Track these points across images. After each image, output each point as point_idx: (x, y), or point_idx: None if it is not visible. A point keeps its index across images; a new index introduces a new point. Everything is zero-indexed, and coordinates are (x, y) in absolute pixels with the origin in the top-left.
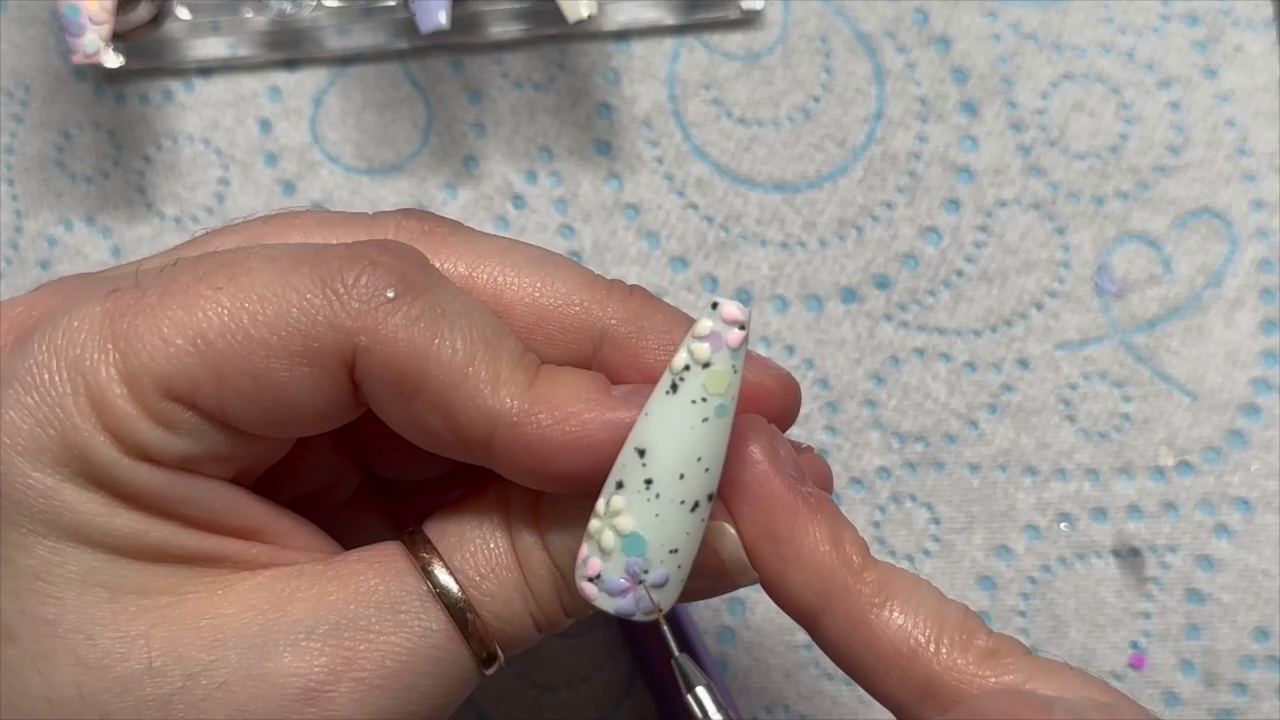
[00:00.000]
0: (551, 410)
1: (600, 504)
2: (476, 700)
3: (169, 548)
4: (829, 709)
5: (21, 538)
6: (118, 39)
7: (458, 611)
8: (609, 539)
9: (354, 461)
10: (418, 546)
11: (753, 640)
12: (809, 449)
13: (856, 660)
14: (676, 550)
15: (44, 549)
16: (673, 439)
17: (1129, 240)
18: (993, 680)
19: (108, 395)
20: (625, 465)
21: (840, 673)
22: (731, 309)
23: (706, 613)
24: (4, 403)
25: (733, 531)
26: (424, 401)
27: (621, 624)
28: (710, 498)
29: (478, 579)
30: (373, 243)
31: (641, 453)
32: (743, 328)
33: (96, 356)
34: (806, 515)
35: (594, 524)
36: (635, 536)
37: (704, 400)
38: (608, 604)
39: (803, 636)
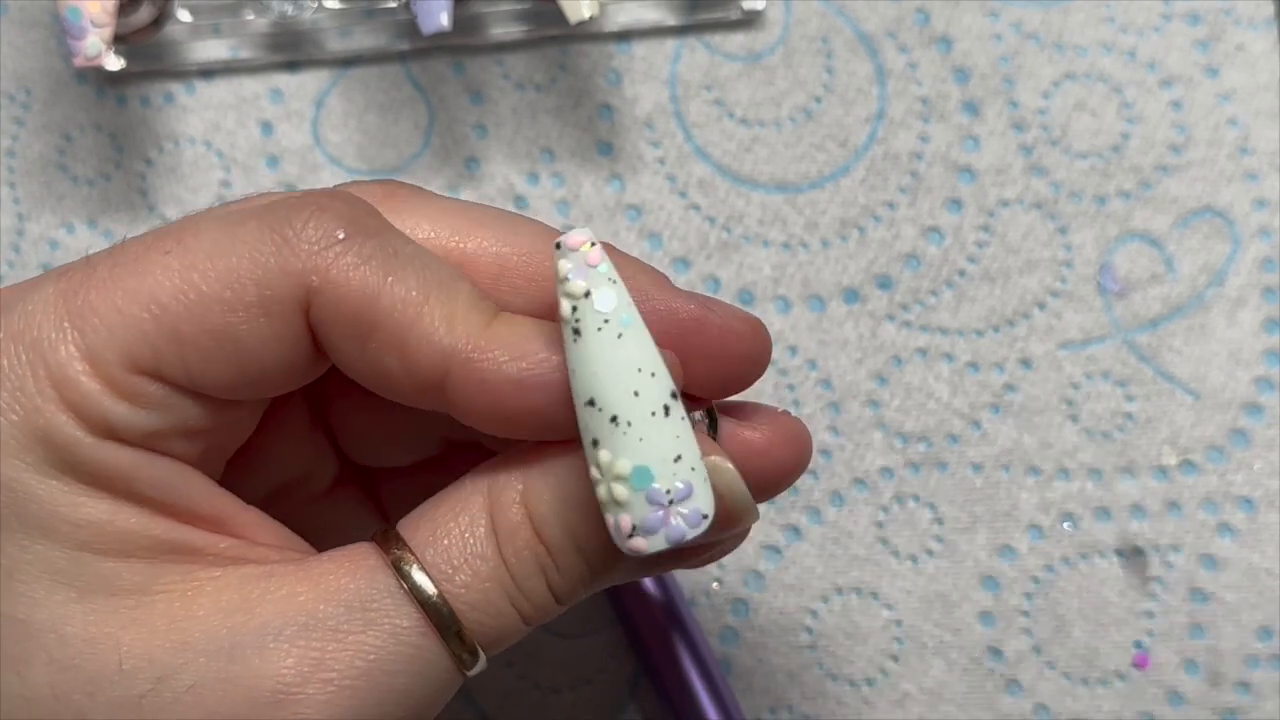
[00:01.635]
0: (508, 347)
1: (593, 471)
2: (480, 702)
3: (136, 538)
4: (833, 709)
5: None
6: (119, 41)
7: (431, 608)
8: (620, 490)
9: (329, 449)
10: (390, 543)
11: (756, 641)
12: (784, 412)
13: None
14: (680, 457)
15: (14, 546)
16: (606, 371)
17: (1131, 239)
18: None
19: (68, 373)
20: (587, 422)
21: (844, 673)
22: (574, 236)
23: (710, 613)
24: None
25: (727, 463)
26: (379, 342)
27: (625, 624)
28: (674, 395)
29: (450, 570)
30: (321, 191)
31: (592, 402)
32: (593, 244)
33: (54, 336)
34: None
35: (600, 490)
36: (637, 470)
37: (606, 323)
38: (659, 542)
39: (807, 637)
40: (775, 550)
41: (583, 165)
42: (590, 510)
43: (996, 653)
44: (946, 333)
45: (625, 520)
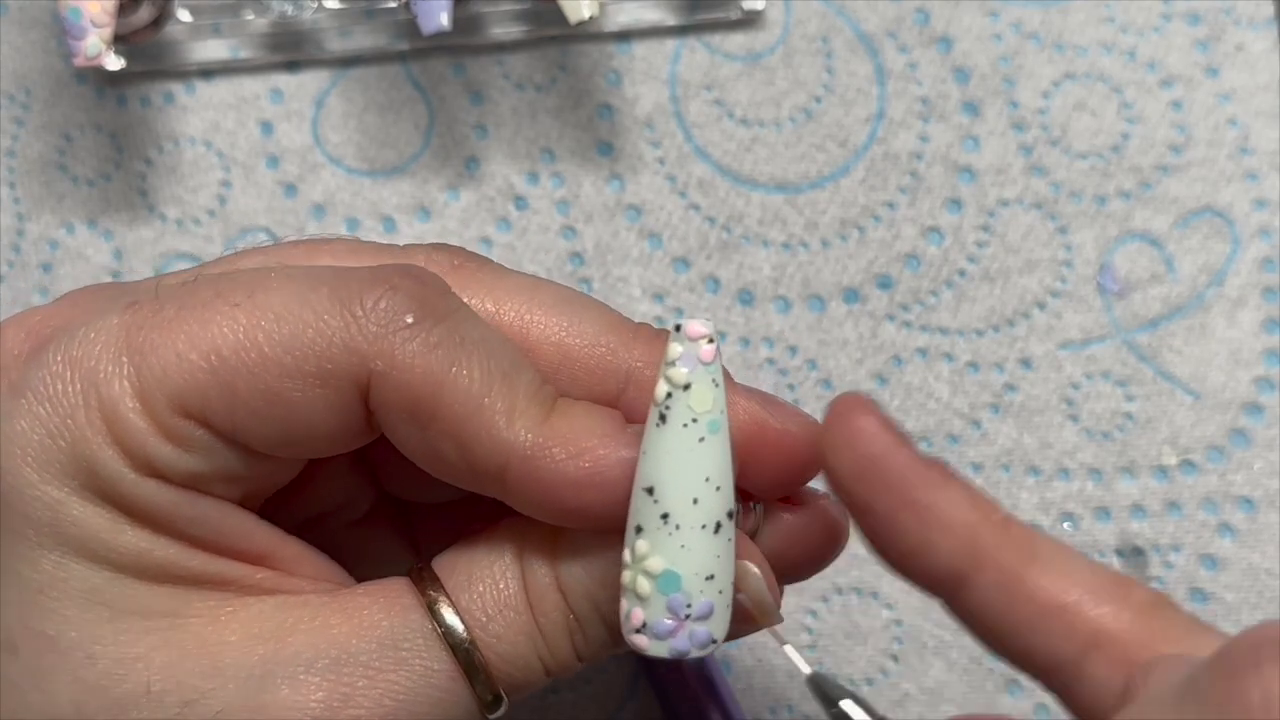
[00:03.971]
0: (566, 445)
1: (626, 554)
2: None
3: (173, 568)
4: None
5: (28, 550)
6: (119, 42)
7: (462, 652)
8: (644, 585)
9: (368, 481)
10: (425, 583)
11: (756, 640)
12: (825, 496)
13: (1008, 620)
14: (712, 576)
15: (49, 563)
16: (676, 468)
17: (1131, 239)
18: (1160, 640)
19: (120, 409)
20: (639, 508)
21: (844, 672)
22: (695, 326)
23: None
24: (16, 412)
25: (756, 570)
26: (438, 430)
27: None
28: (730, 515)
29: (484, 619)
30: (395, 267)
31: (650, 490)
32: (710, 341)
33: (110, 369)
34: (941, 478)
35: (626, 575)
36: (668, 574)
37: (694, 421)
38: (661, 649)
39: (807, 637)
40: None
41: (583, 165)
42: (616, 591)
43: None
44: (946, 333)
45: (638, 615)
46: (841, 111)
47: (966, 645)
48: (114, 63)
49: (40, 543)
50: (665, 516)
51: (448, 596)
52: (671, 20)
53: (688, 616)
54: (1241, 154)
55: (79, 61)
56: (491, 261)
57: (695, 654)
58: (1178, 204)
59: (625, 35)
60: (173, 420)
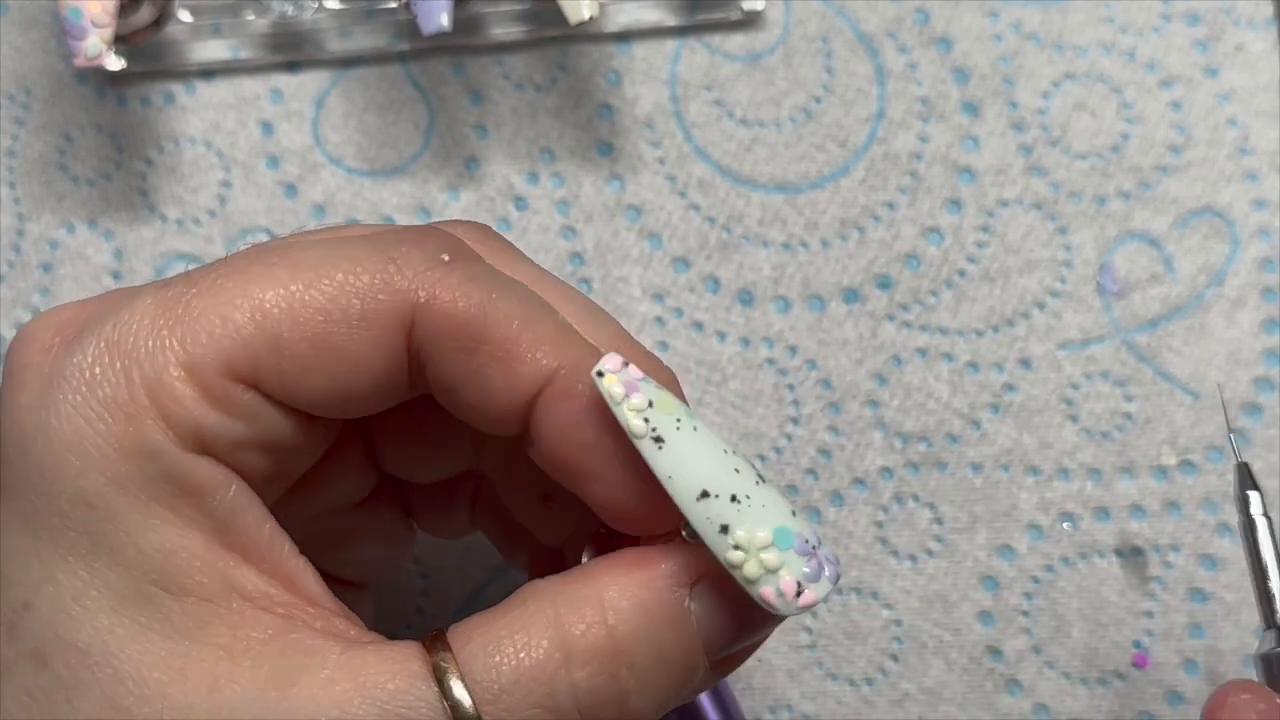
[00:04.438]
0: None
1: (731, 555)
2: None
3: (197, 571)
4: (832, 709)
5: (62, 554)
6: (119, 42)
7: None
8: (769, 557)
9: (370, 463)
10: (436, 649)
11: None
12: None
13: None
14: (795, 511)
15: (84, 569)
16: (709, 461)
17: (1130, 240)
18: None
19: (164, 378)
20: (708, 514)
21: (843, 672)
22: (612, 360)
23: None
24: (52, 404)
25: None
26: (486, 354)
27: None
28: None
29: (497, 691)
30: (422, 226)
31: (705, 493)
32: (625, 363)
33: (152, 344)
34: None
35: (749, 569)
36: (778, 531)
37: (679, 421)
38: (825, 587)
39: (806, 637)
40: None
41: (583, 165)
42: (678, 620)
43: (996, 653)
44: (946, 333)
45: (787, 582)
46: (841, 111)
47: (966, 645)
48: (114, 63)
49: (73, 544)
50: (734, 499)
51: (457, 667)
52: (671, 20)
53: (814, 548)
54: (1241, 154)
55: (79, 62)
56: (515, 246)
57: (839, 575)
58: (1177, 204)
59: (625, 35)
60: (219, 383)
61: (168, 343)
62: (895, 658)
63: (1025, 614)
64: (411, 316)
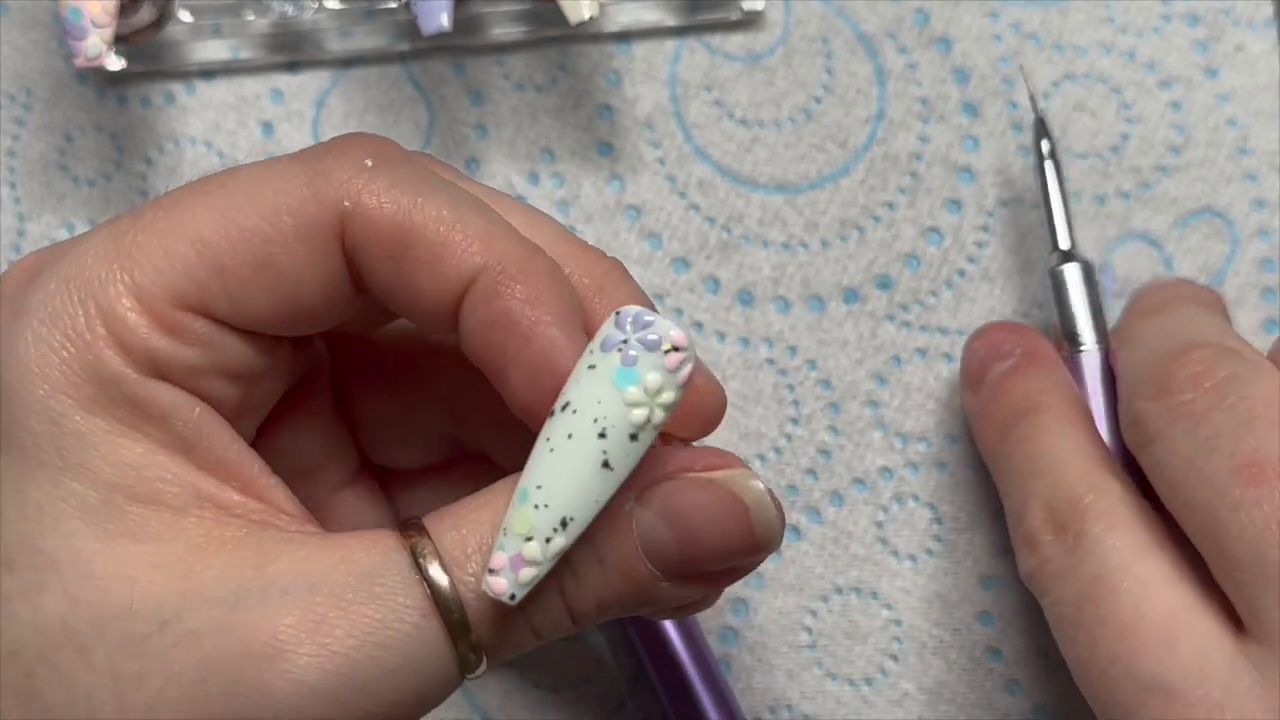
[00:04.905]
0: (529, 287)
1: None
2: (479, 701)
3: (169, 484)
4: (832, 709)
5: (32, 469)
6: (120, 42)
7: (438, 591)
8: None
9: (349, 441)
10: (411, 530)
11: (755, 640)
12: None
13: None
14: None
15: (49, 481)
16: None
17: (1130, 240)
18: None
19: (117, 310)
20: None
21: (843, 672)
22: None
23: (710, 613)
24: (18, 333)
25: (759, 481)
26: (413, 259)
27: (624, 624)
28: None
29: (463, 557)
30: (352, 134)
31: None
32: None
33: (104, 275)
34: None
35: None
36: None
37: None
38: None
39: (806, 637)
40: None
41: (583, 166)
42: (618, 520)
43: (996, 653)
44: (946, 333)
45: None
46: (841, 112)
47: (966, 645)
48: (115, 63)
49: (43, 461)
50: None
51: (431, 541)
52: (671, 20)
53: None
54: (1241, 154)
55: (80, 62)
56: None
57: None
58: (1177, 204)
59: (625, 35)
60: (170, 313)
61: (118, 275)
62: (895, 658)
63: (1025, 614)
64: (341, 225)
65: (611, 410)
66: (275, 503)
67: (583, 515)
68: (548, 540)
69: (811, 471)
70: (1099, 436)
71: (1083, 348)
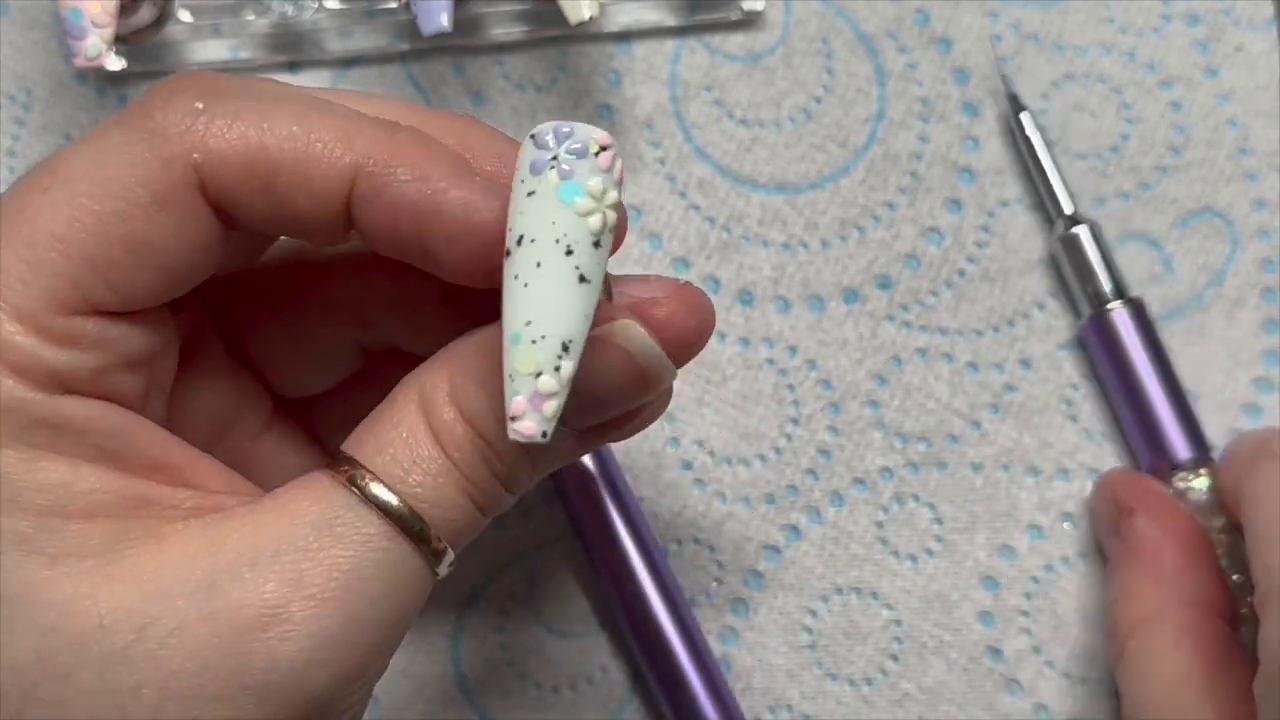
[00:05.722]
0: (411, 166)
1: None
2: (479, 700)
3: (99, 495)
4: (832, 709)
5: None
6: (120, 42)
7: (394, 512)
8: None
9: (257, 386)
10: (339, 464)
11: (755, 640)
12: (685, 283)
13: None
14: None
15: None
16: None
17: (1130, 240)
18: None
19: (2, 336)
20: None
21: (844, 672)
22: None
23: (710, 612)
24: None
25: (639, 325)
26: (283, 186)
27: (623, 623)
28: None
29: (402, 474)
30: (165, 80)
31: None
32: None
33: None
34: None
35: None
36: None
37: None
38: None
39: (806, 637)
40: (775, 550)
41: None
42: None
43: (996, 652)
44: (946, 333)
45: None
46: (841, 112)
47: (966, 645)
48: (115, 63)
49: None
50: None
51: (362, 467)
52: (671, 20)
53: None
54: (1241, 154)
55: (80, 62)
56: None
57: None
58: (1177, 204)
59: (625, 35)
60: (56, 322)
61: None
62: (895, 658)
63: (1025, 614)
64: (198, 179)
65: (569, 226)
66: (208, 485)
67: (579, 335)
68: (557, 369)
69: (811, 471)
70: None
71: (1110, 307)
